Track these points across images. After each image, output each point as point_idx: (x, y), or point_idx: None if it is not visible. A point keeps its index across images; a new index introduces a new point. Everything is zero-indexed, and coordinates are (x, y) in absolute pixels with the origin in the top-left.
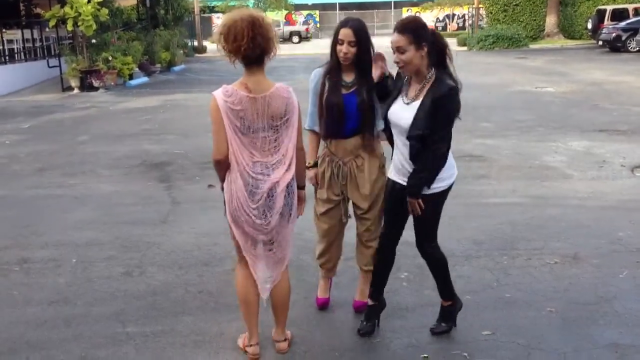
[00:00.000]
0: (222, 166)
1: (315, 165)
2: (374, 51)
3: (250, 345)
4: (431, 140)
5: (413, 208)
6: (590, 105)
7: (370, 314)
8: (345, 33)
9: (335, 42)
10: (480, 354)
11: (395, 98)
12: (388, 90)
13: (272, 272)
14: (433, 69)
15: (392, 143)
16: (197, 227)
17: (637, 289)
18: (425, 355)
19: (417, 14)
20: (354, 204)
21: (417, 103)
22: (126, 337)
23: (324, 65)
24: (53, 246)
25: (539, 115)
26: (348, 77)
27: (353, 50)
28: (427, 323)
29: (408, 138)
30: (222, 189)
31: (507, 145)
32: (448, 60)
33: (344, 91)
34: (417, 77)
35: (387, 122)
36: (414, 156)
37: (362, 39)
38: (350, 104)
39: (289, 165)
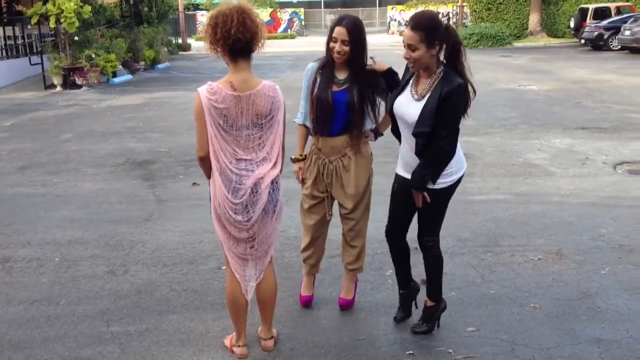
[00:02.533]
0: (207, 163)
1: (302, 159)
2: (366, 53)
3: (238, 346)
4: (437, 137)
5: (418, 201)
6: (572, 103)
7: (403, 302)
8: (339, 31)
9: (330, 39)
10: (465, 350)
11: (402, 90)
12: (397, 80)
13: (255, 270)
14: (442, 66)
15: (397, 136)
16: (182, 225)
17: (618, 285)
18: (410, 352)
19: (402, 11)
20: (339, 203)
21: (424, 100)
22: (111, 336)
23: (319, 60)
24: (36, 245)
25: (522, 113)
26: (341, 75)
27: (346, 49)
28: (412, 320)
29: (414, 135)
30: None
31: (490, 142)
32: (463, 58)
33: (335, 88)
34: (426, 72)
35: (393, 115)
36: (419, 152)
37: (355, 38)
38: (340, 102)
39: (275, 162)
